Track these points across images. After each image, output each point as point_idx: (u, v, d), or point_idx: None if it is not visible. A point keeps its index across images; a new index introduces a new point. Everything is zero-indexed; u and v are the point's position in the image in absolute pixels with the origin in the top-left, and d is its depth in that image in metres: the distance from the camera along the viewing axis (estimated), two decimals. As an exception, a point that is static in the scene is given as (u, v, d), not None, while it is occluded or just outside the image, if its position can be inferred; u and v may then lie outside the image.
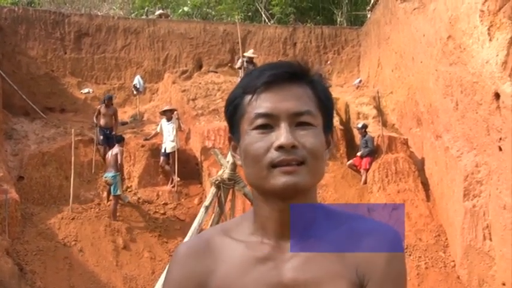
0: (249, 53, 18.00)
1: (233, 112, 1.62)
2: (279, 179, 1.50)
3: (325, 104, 1.62)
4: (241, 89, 1.60)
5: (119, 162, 14.22)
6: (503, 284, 10.26)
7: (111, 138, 15.75)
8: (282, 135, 1.51)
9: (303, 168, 1.51)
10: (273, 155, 1.51)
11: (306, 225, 1.58)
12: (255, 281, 1.53)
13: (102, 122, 15.96)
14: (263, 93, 1.55)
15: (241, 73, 17.49)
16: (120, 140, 14.70)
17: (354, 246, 1.56)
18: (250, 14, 25.67)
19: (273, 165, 1.51)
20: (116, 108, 16.65)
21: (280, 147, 1.50)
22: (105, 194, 14.58)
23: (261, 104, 1.55)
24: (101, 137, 15.88)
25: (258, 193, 1.59)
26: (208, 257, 1.61)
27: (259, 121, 1.54)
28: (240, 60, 18.13)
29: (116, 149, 14.27)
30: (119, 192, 13.92)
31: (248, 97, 1.57)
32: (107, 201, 14.26)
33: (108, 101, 16.27)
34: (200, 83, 18.61)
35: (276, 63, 1.62)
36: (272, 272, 1.54)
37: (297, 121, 1.54)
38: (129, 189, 15.12)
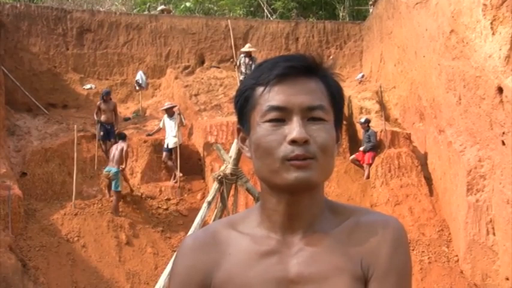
0: (246, 48, 17.85)
1: (244, 103, 1.60)
2: (292, 174, 1.50)
3: (337, 99, 1.62)
4: (253, 80, 1.59)
5: (124, 153, 14.21)
6: (507, 279, 10.26)
7: (112, 133, 15.76)
8: (294, 129, 1.50)
9: (314, 163, 1.51)
10: (286, 148, 1.50)
11: (312, 219, 1.58)
12: (260, 275, 1.53)
13: (103, 117, 15.98)
14: (276, 86, 1.54)
15: (242, 69, 17.35)
16: (123, 137, 14.67)
17: (358, 239, 1.56)
18: (252, 9, 25.64)
19: (286, 159, 1.50)
20: (115, 103, 16.66)
21: (293, 141, 1.49)
22: (107, 190, 14.56)
23: (274, 96, 1.53)
24: (102, 133, 15.88)
25: (266, 186, 1.58)
26: (213, 249, 1.61)
27: (272, 114, 1.53)
28: (239, 57, 17.99)
29: (121, 144, 14.24)
30: (120, 189, 13.90)
31: (260, 89, 1.56)
32: (109, 196, 14.24)
33: (107, 97, 16.28)
34: (202, 79, 18.61)
35: (289, 56, 1.61)
36: (277, 266, 1.54)
37: (309, 115, 1.53)
38: (131, 185, 15.12)
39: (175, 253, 1.74)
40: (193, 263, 1.61)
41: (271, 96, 1.54)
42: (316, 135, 1.52)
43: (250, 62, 16.99)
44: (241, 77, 16.64)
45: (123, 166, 14.19)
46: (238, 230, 1.62)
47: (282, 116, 1.52)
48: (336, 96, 1.61)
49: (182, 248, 1.66)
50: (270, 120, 1.53)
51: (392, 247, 1.55)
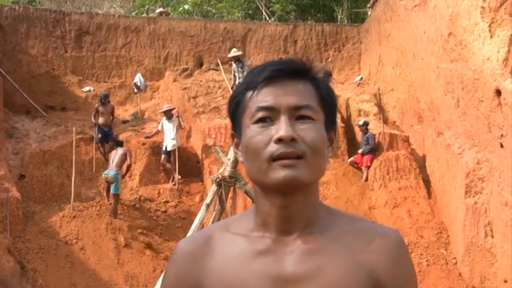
0: (232, 53, 17.73)
1: (235, 108, 1.62)
2: (279, 173, 1.50)
3: (327, 101, 1.62)
4: (244, 85, 1.62)
5: (129, 163, 14.18)
6: (505, 281, 10.25)
7: (110, 135, 15.76)
8: (281, 128, 1.51)
9: (303, 162, 1.51)
10: (273, 148, 1.51)
11: (307, 222, 1.58)
12: (256, 274, 1.53)
13: (100, 120, 15.99)
14: (264, 88, 1.56)
15: (236, 75, 17.22)
16: (121, 144, 14.65)
17: (358, 244, 1.57)
18: (250, 11, 25.66)
19: (273, 158, 1.50)
20: (113, 105, 16.68)
21: (279, 140, 1.50)
22: (105, 193, 14.49)
23: (262, 98, 1.55)
24: (99, 135, 15.88)
25: (258, 188, 1.59)
26: (206, 253, 1.61)
27: (260, 114, 1.54)
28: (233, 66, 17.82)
29: (122, 150, 14.20)
30: (119, 191, 13.87)
31: (250, 93, 1.58)
32: (108, 201, 14.16)
33: (105, 99, 16.29)
34: (201, 81, 18.62)
35: (280, 60, 1.63)
36: (273, 264, 1.54)
37: (297, 115, 1.54)
38: (130, 187, 15.11)
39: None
40: (184, 268, 1.62)
41: (260, 98, 1.56)
42: (305, 134, 1.52)
43: (240, 65, 16.93)
44: (237, 82, 16.51)
45: (123, 172, 14.18)
46: (233, 231, 1.63)
47: (269, 116, 1.54)
48: (325, 98, 1.61)
49: (175, 253, 1.67)
50: (258, 121, 1.54)
51: (401, 261, 1.59)
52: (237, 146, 1.66)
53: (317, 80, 1.62)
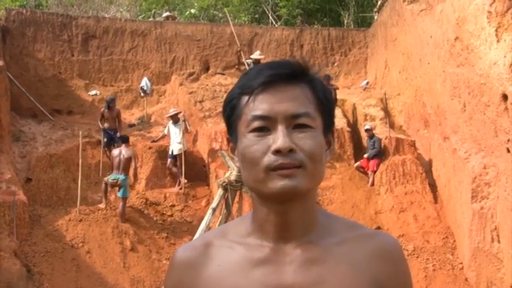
0: (256, 55, 17.93)
1: (230, 113, 1.58)
2: (277, 183, 1.47)
3: (325, 104, 1.58)
4: (238, 89, 1.57)
5: (133, 167, 14.18)
6: (512, 287, 10.22)
7: (116, 139, 15.77)
8: (279, 138, 1.47)
9: (301, 171, 1.48)
10: (271, 158, 1.47)
11: (305, 229, 1.56)
12: (254, 284, 1.51)
13: (106, 124, 16.01)
14: (260, 95, 1.52)
15: None
16: (126, 140, 14.49)
17: (359, 252, 1.56)
18: (257, 15, 25.70)
19: (270, 169, 1.47)
20: (119, 110, 16.67)
21: (277, 151, 1.47)
22: (113, 197, 14.46)
23: (258, 105, 1.51)
24: (105, 139, 15.89)
25: (256, 195, 1.56)
26: (204, 262, 1.59)
27: (256, 123, 1.51)
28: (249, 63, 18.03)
29: (127, 152, 14.08)
30: (128, 195, 13.87)
31: (245, 98, 1.54)
32: (104, 204, 14.12)
33: (112, 103, 16.28)
34: (207, 85, 18.64)
35: (275, 63, 1.58)
36: (272, 274, 1.52)
37: (294, 123, 1.50)
38: (136, 191, 15.13)
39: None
40: (182, 277, 1.61)
41: (255, 106, 1.51)
42: (303, 143, 1.49)
43: None
44: None
45: (131, 178, 14.15)
46: (231, 239, 1.60)
47: (266, 125, 1.50)
48: (323, 101, 1.57)
49: (172, 261, 1.67)
50: (254, 130, 1.51)
51: (402, 269, 1.60)
52: (232, 150, 1.63)
53: (314, 82, 1.58)
